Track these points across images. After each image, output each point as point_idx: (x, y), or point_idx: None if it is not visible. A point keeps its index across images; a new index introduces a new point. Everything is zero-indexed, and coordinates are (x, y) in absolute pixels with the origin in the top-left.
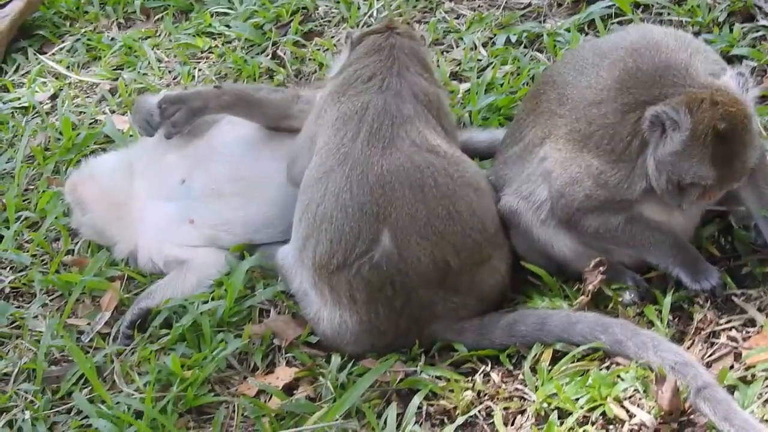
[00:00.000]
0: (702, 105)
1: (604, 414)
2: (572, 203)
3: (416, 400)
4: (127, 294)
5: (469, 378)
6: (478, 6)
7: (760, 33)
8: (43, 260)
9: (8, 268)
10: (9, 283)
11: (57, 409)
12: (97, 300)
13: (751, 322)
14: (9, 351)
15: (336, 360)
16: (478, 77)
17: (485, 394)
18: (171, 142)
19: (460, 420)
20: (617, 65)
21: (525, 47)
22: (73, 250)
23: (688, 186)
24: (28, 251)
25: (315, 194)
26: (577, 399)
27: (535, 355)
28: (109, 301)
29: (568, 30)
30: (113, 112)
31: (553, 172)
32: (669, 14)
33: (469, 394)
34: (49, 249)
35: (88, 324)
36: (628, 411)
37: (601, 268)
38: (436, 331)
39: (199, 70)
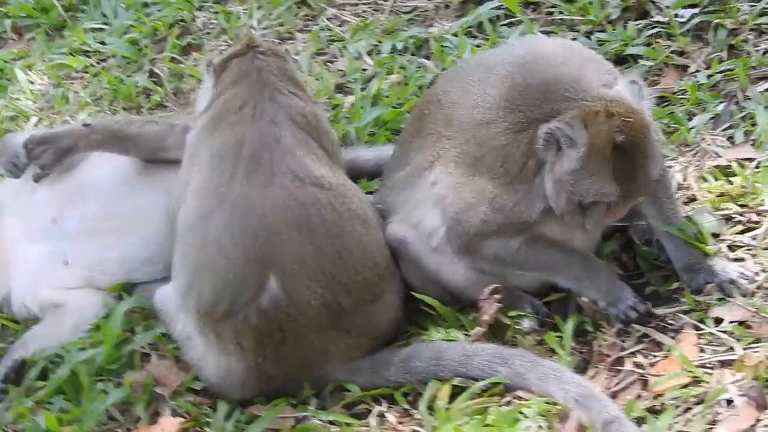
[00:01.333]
0: (597, 118)
1: None
2: (469, 229)
3: None
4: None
5: (364, 420)
6: (363, 11)
7: (655, 30)
8: None
9: None
10: None
11: None
12: None
13: (657, 345)
14: None
15: (222, 408)
16: (362, 89)
17: None
18: None
19: None
20: (504, 82)
21: (412, 54)
22: None
23: (590, 205)
24: None
25: (195, 240)
26: None
27: (432, 392)
28: None
29: (455, 35)
30: None
31: (447, 198)
32: (560, 13)
33: None
34: None
35: None
36: None
37: (496, 296)
38: (327, 373)
39: (74, 92)
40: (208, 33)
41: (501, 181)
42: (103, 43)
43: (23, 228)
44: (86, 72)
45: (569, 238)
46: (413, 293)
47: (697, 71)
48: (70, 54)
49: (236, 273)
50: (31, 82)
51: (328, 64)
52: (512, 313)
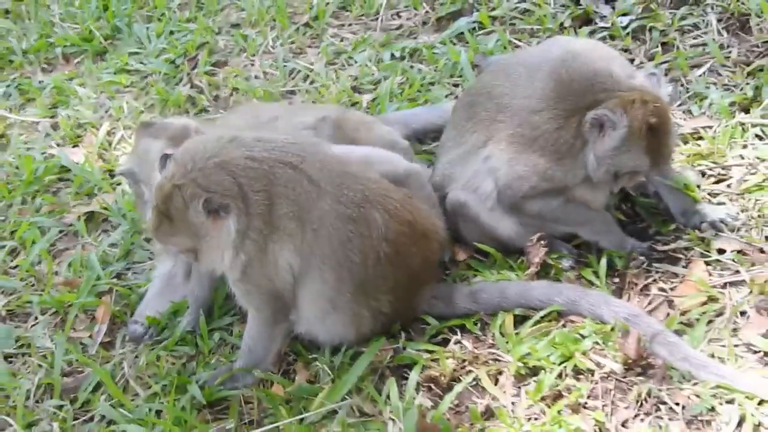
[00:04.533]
0: (634, 105)
1: (574, 367)
2: (518, 193)
3: (414, 374)
4: (117, 307)
5: (446, 347)
6: (357, 30)
7: (602, 34)
8: (31, 283)
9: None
10: (3, 306)
11: (81, 419)
12: (90, 314)
13: (674, 275)
14: (20, 369)
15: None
16: (374, 89)
17: (464, 360)
18: None
19: (457, 388)
20: (551, 77)
21: (408, 60)
22: (57, 272)
23: (623, 174)
24: (15, 276)
25: None
26: (548, 356)
27: (500, 321)
28: (103, 314)
29: (443, 43)
30: (59, 145)
31: (500, 170)
32: (520, 24)
33: (451, 362)
34: (34, 272)
35: (89, 337)
36: (596, 362)
37: (542, 242)
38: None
39: (127, 102)
40: (230, 52)
41: (552, 157)
42: (142, 63)
43: None
44: (133, 87)
45: (593, 199)
46: (475, 244)
47: (642, 63)
48: (116, 73)
49: None
50: (88, 97)
51: (339, 71)
52: (553, 255)
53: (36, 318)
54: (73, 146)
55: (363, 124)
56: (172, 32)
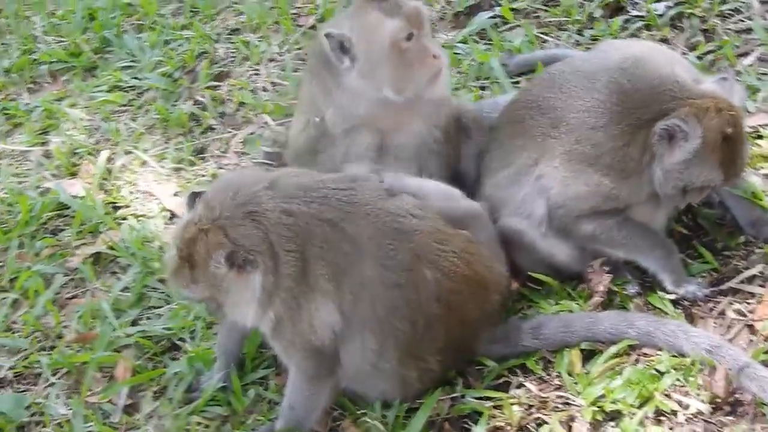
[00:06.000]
0: (708, 113)
1: (656, 409)
2: (572, 213)
3: (480, 428)
4: (138, 360)
5: (509, 392)
6: None
7: (637, 25)
8: (38, 339)
9: (4, 353)
10: (9, 369)
11: None
12: (107, 371)
13: (751, 294)
14: None
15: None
16: None
17: (531, 406)
18: None
19: None
20: (610, 87)
21: None
22: (66, 325)
23: (694, 188)
24: (20, 332)
25: None
26: (625, 398)
27: (568, 359)
28: (123, 372)
29: (463, 41)
30: (54, 176)
31: (552, 189)
32: (546, 16)
33: (517, 410)
34: (41, 327)
35: (109, 402)
36: (679, 402)
37: (605, 268)
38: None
39: (124, 123)
40: (232, 60)
41: (617, 176)
42: (137, 78)
43: None
44: (130, 105)
45: (653, 219)
46: (529, 273)
47: (684, 54)
48: (110, 91)
49: None
50: (81, 119)
51: None
52: (617, 281)
53: (47, 380)
54: (70, 177)
55: None
56: (166, 42)
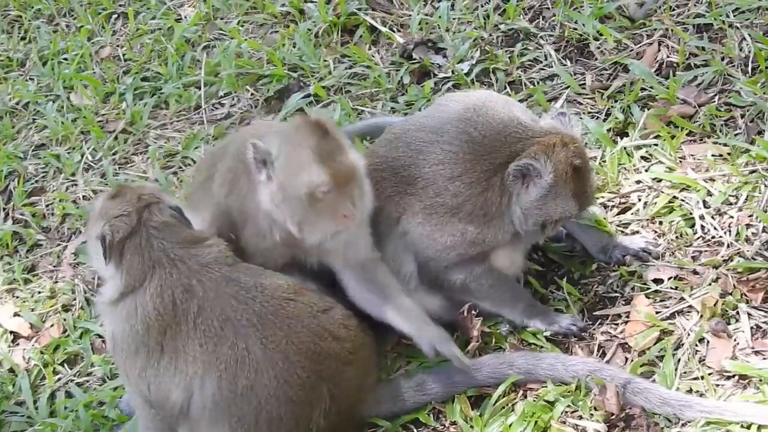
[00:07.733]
0: (555, 149)
1: None
2: (441, 263)
3: None
4: None
5: None
6: (181, 127)
7: (447, 85)
8: None
9: None
10: None
11: None
12: None
13: (617, 315)
14: None
15: None
16: None
17: None
18: None
19: None
20: (462, 138)
21: None
22: None
23: (552, 222)
24: None
25: None
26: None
27: (459, 406)
28: None
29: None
30: None
31: (420, 244)
32: (357, 90)
33: None
34: None
35: None
36: (575, 426)
37: (473, 312)
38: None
39: None
40: (44, 176)
41: (480, 221)
42: None
43: None
44: None
45: (511, 262)
46: None
47: None
48: None
49: None
50: None
51: (180, 173)
52: (489, 323)
53: None
54: None
55: None
56: None
